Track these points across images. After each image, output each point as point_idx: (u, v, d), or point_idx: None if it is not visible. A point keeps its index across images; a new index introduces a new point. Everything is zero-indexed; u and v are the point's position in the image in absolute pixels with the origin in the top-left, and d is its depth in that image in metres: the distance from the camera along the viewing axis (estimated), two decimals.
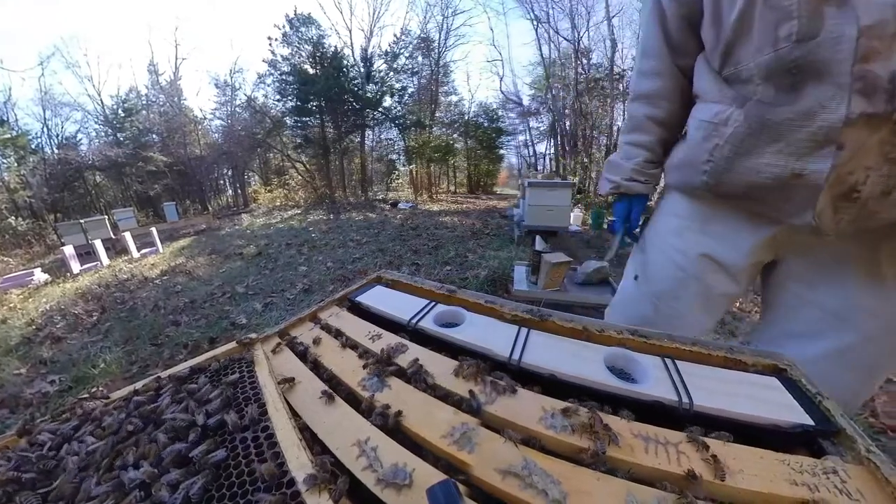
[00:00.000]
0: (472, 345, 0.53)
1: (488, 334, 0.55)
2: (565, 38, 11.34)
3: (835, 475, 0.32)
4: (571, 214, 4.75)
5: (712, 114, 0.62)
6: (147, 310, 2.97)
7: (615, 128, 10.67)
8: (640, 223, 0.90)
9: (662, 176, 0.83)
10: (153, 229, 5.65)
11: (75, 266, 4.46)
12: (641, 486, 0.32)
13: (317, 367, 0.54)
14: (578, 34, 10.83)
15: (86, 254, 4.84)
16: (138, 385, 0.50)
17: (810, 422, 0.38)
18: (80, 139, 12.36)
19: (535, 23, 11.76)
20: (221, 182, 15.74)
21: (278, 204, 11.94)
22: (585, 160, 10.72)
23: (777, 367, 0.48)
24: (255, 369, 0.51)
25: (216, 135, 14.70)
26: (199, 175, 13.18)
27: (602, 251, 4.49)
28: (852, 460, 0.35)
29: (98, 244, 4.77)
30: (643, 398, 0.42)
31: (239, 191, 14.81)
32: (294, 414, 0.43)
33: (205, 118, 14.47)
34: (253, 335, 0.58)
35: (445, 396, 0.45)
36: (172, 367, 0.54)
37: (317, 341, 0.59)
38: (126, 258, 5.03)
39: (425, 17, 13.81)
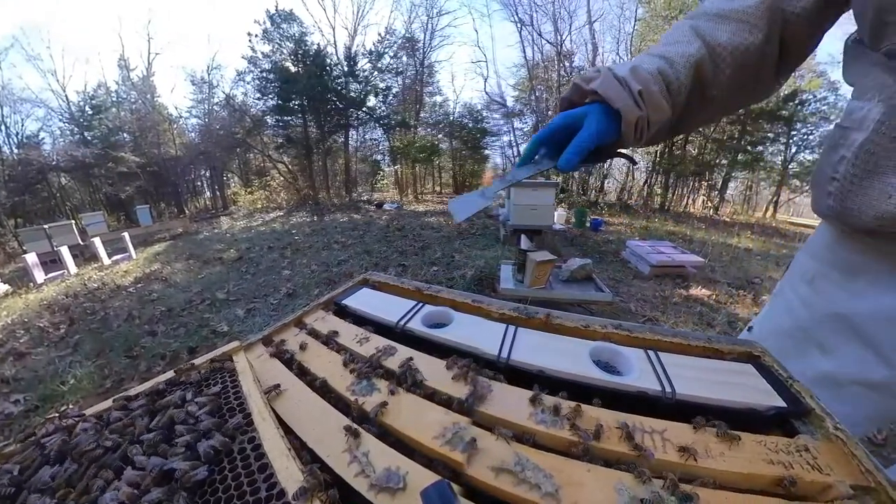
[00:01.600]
0: (461, 344, 0.54)
1: (476, 333, 0.55)
2: (548, 41, 11.58)
3: (807, 452, 0.35)
4: (555, 213, 4.83)
5: (847, 113, 0.46)
6: (120, 320, 2.83)
7: None
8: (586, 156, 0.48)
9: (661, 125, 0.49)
10: (125, 234, 5.39)
11: (39, 275, 4.21)
12: (630, 473, 0.33)
13: (304, 374, 0.53)
14: (561, 37, 11.08)
15: (51, 262, 4.56)
16: (112, 400, 0.48)
17: (783, 404, 0.40)
18: (43, 138, 11.64)
19: (518, 25, 11.94)
20: (199, 184, 15.19)
21: (259, 206, 11.61)
22: None
23: (751, 354, 0.50)
24: (239, 378, 0.49)
25: (192, 134, 14.19)
26: (175, 176, 12.66)
27: (586, 250, 4.58)
28: (822, 438, 0.37)
29: (64, 251, 4.51)
30: (629, 390, 0.44)
31: (217, 193, 14.32)
32: (281, 423, 0.42)
33: (180, 116, 13.95)
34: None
35: (436, 397, 0.45)
36: (149, 381, 0.51)
37: (303, 347, 0.58)
38: (96, 265, 4.78)
39: (410, 17, 13.84)
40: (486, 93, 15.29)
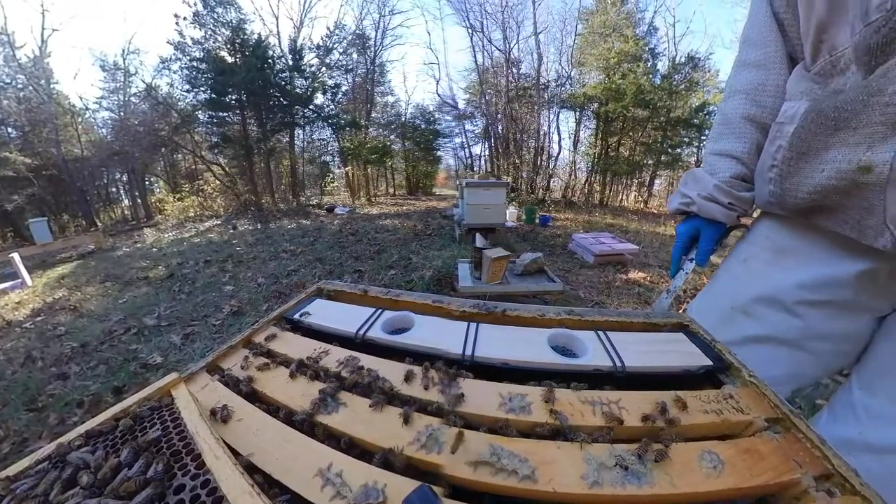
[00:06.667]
0: (425, 347, 0.53)
1: (439, 334, 0.56)
2: (497, 48, 12.12)
3: (731, 399, 0.42)
4: (507, 211, 5.05)
5: (782, 113, 0.55)
6: (16, 365, 2.32)
7: (542, 132, 11.68)
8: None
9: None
10: (14, 255, 4.47)
11: None
12: (595, 444, 0.36)
13: (259, 399, 0.48)
14: (509, 45, 11.70)
15: None
16: (13, 469, 0.38)
17: (710, 362, 0.48)
18: None
19: (470, 31, 12.30)
20: (114, 190, 13.19)
21: (192, 214, 10.35)
22: (517, 161, 11.51)
23: (681, 324, 0.58)
24: (182, 415, 0.43)
25: (104, 130, 12.18)
26: (81, 181, 10.77)
27: (536, 244, 4.85)
28: (740, 385, 0.45)
29: None
30: (585, 369, 0.47)
31: (139, 200, 12.52)
32: (238, 458, 0.38)
33: (87, 109, 11.83)
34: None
35: (405, 403, 0.44)
36: (64, 436, 0.42)
37: (256, 369, 0.53)
38: None
39: (361, 14, 13.42)
40: (439, 94, 15.50)
